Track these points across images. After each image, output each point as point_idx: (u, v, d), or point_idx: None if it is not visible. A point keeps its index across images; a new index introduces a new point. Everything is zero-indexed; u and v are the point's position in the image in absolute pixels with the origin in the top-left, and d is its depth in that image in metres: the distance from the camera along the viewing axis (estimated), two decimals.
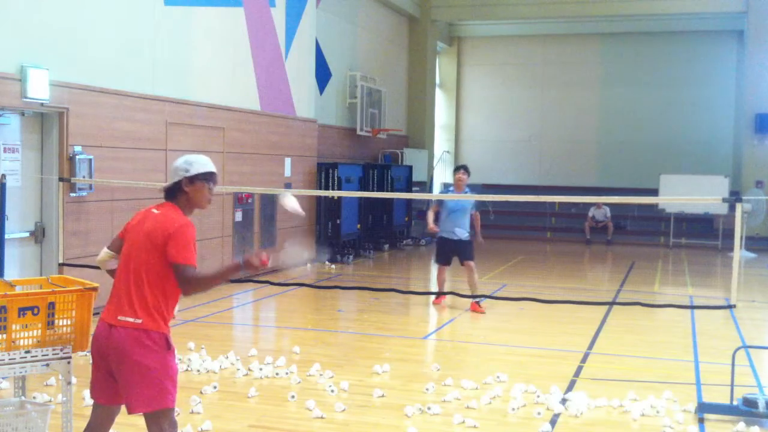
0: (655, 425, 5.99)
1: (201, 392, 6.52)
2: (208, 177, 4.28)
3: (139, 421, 5.71)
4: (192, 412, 5.98)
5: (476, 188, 24.72)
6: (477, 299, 10.36)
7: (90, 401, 6.11)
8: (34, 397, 5.94)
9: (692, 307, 10.97)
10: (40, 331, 4.37)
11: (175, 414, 4.21)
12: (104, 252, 4.42)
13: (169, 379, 4.07)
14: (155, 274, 4.07)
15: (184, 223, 4.12)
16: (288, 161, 14.48)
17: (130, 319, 4.02)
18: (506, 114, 25.81)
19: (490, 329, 9.57)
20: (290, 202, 5.03)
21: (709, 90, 23.79)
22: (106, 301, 4.18)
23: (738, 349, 6.82)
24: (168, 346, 4.09)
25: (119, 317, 4.03)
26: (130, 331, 4.01)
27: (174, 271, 4.05)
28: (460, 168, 11.03)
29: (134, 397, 4.03)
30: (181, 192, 4.24)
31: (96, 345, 4.13)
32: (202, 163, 4.28)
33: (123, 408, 4.39)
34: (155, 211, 4.24)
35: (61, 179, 9.21)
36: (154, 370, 4.01)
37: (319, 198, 15.48)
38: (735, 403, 6.16)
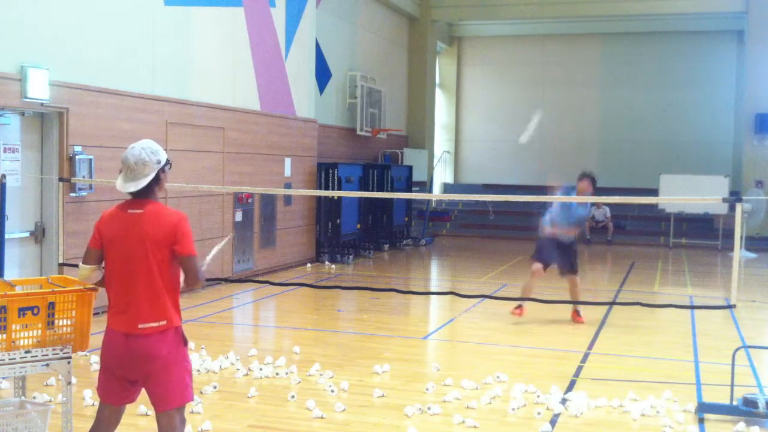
0: (655, 425, 5.99)
1: (201, 392, 6.52)
2: (169, 161, 4.28)
3: (140, 421, 5.73)
4: (192, 412, 5.97)
5: (477, 188, 24.85)
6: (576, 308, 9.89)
7: (90, 401, 6.14)
8: (34, 397, 5.94)
9: (692, 307, 10.96)
10: (40, 331, 4.37)
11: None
12: (85, 268, 4.22)
13: (188, 373, 4.19)
14: (167, 272, 4.11)
15: (182, 216, 4.18)
16: (288, 161, 14.48)
17: (154, 324, 4.05)
18: (506, 114, 25.82)
19: (490, 329, 9.57)
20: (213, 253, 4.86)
21: (709, 90, 23.80)
22: (112, 311, 4.15)
23: (738, 349, 6.82)
24: (184, 342, 4.19)
25: (140, 325, 4.04)
26: (151, 337, 4.04)
27: (183, 264, 4.12)
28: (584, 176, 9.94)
29: (161, 396, 4.12)
30: (156, 183, 4.19)
31: (112, 355, 4.12)
32: (161, 149, 4.25)
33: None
34: (137, 210, 4.13)
35: (61, 179, 9.21)
36: (175, 366, 4.10)
37: (319, 198, 15.49)
38: (735, 403, 6.16)
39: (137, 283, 4.07)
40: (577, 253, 10.04)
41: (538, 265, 9.87)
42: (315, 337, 9.08)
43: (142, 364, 4.05)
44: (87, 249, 4.24)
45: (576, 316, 9.91)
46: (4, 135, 8.78)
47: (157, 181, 4.18)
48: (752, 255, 17.98)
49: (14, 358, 4.31)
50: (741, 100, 21.91)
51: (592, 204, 20.61)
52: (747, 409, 6.01)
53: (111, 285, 4.17)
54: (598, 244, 20.31)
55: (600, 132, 24.95)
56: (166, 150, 4.33)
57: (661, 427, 5.92)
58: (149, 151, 4.15)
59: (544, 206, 10.08)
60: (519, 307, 9.89)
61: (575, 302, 9.73)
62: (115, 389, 4.18)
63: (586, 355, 8.28)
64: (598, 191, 10.69)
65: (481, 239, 21.02)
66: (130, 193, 4.18)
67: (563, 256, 9.92)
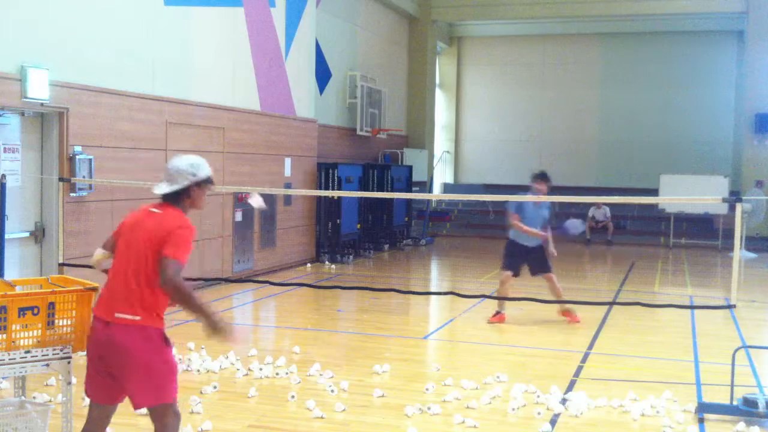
0: (655, 425, 5.99)
1: (201, 392, 6.52)
2: (210, 180, 4.37)
3: (140, 421, 5.73)
4: (192, 412, 5.98)
5: (477, 188, 24.85)
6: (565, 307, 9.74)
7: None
8: (34, 397, 5.94)
9: (692, 307, 10.97)
10: (40, 331, 4.37)
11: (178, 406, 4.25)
12: (99, 252, 4.39)
13: (171, 372, 4.15)
14: (156, 272, 4.10)
15: (185, 225, 4.17)
16: (288, 161, 14.47)
17: (129, 316, 4.05)
18: (506, 114, 25.83)
19: (490, 329, 9.57)
20: (256, 201, 5.02)
21: (709, 90, 23.80)
22: (99, 297, 4.21)
23: (738, 349, 6.82)
24: (165, 341, 4.16)
25: (116, 314, 4.06)
26: (128, 329, 4.04)
27: (160, 262, 4.04)
28: (538, 176, 9.76)
29: (138, 393, 4.10)
30: (187, 196, 4.28)
31: (93, 344, 4.15)
32: (206, 167, 4.35)
33: (121, 408, 4.40)
34: (155, 210, 4.24)
35: (61, 179, 9.21)
36: (155, 364, 4.08)
37: (319, 198, 15.49)
38: (735, 403, 6.16)
39: (126, 274, 4.11)
40: (546, 252, 9.95)
41: (507, 273, 9.82)
42: (315, 337, 9.08)
43: (117, 354, 4.04)
44: (110, 236, 4.46)
45: (571, 316, 9.76)
46: (4, 135, 8.78)
47: (187, 193, 4.26)
48: (752, 255, 17.98)
49: (14, 358, 4.32)
50: (741, 100, 21.91)
51: (593, 204, 20.69)
52: (747, 409, 6.01)
53: (110, 272, 4.25)
54: (598, 244, 20.31)
55: (600, 132, 24.95)
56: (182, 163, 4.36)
57: (661, 427, 5.92)
58: (189, 163, 4.29)
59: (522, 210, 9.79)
60: (498, 314, 9.82)
61: (576, 302, 9.72)
62: (100, 386, 4.18)
63: (586, 355, 8.28)
64: (599, 192, 10.69)
65: (481, 239, 21.01)
66: (161, 197, 4.29)
67: (533, 259, 9.88)
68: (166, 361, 4.13)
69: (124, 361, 4.04)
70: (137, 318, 4.05)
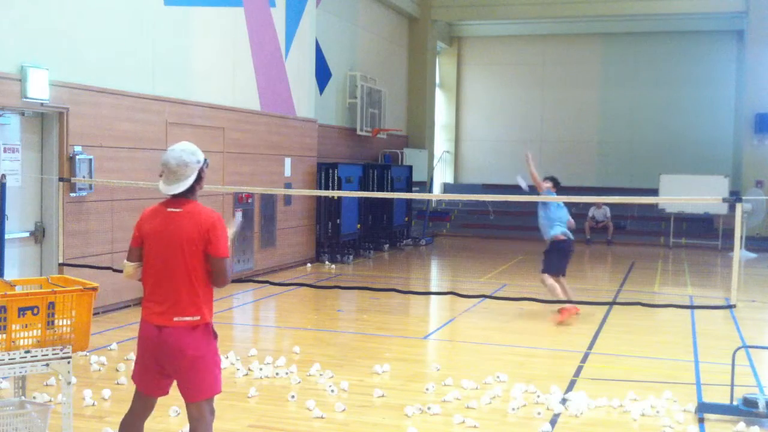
0: (655, 425, 5.99)
1: None
2: (207, 159, 4.38)
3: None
4: None
5: (477, 188, 24.85)
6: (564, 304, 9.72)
7: (90, 401, 6.16)
8: (34, 397, 5.94)
9: (692, 307, 10.96)
10: (40, 331, 4.37)
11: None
12: (129, 265, 4.33)
13: (217, 366, 4.30)
14: (201, 269, 4.19)
15: (217, 217, 4.25)
16: (288, 161, 14.48)
17: (188, 318, 4.16)
18: (506, 114, 25.83)
19: (490, 329, 9.57)
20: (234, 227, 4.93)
21: (709, 90, 23.81)
22: (147, 303, 4.24)
23: (738, 349, 6.82)
24: (215, 336, 4.29)
25: (175, 318, 4.15)
26: (182, 329, 4.14)
27: (212, 264, 4.19)
28: (546, 179, 10.54)
29: (193, 388, 4.21)
30: (197, 183, 4.28)
31: (145, 346, 4.23)
32: (199, 149, 4.35)
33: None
34: (176, 209, 4.21)
35: (61, 179, 9.21)
36: (206, 360, 4.20)
37: (319, 198, 15.49)
38: (735, 403, 6.16)
39: (174, 278, 4.16)
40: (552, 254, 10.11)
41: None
42: (315, 337, 9.08)
43: (173, 356, 4.15)
44: (129, 248, 4.37)
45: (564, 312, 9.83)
46: (4, 135, 8.78)
47: (198, 180, 4.28)
48: (752, 255, 17.98)
49: (14, 358, 4.31)
50: (741, 100, 21.91)
51: (593, 204, 20.69)
52: (747, 409, 6.01)
53: (147, 279, 4.27)
54: (598, 244, 20.31)
55: (600, 132, 24.97)
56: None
57: (661, 427, 5.92)
58: (189, 152, 4.25)
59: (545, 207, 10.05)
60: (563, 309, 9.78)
61: (576, 302, 9.72)
62: (148, 379, 4.27)
63: (586, 355, 8.28)
64: (599, 192, 10.74)
65: (481, 239, 21.02)
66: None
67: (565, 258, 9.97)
68: (214, 356, 4.26)
69: (177, 361, 4.15)
70: (197, 318, 4.16)
